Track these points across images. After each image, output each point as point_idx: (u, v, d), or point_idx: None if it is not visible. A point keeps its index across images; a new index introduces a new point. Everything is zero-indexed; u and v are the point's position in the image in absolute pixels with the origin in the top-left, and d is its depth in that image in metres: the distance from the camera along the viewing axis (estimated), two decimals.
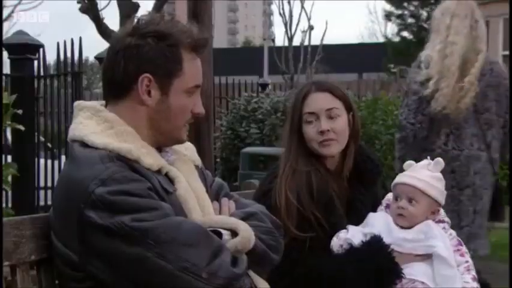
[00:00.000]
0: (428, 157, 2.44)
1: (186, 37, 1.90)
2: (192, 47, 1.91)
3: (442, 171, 2.39)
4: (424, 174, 2.35)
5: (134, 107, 1.89)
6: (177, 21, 1.94)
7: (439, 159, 2.39)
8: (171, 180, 1.89)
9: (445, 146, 3.77)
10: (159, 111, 1.90)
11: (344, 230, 2.35)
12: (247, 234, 1.84)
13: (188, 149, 2.11)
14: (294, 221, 2.30)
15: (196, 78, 1.94)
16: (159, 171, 1.86)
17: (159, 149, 1.96)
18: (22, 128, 3.66)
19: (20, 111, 3.54)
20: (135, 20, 1.93)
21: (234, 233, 1.85)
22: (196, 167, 2.06)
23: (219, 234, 1.83)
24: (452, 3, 3.86)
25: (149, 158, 1.84)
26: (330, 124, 2.41)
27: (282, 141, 2.56)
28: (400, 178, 2.38)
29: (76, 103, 1.96)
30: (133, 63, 1.86)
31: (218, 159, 8.79)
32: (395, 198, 2.37)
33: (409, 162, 2.44)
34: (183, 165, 1.99)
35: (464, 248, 2.38)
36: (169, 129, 1.93)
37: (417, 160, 2.41)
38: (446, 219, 2.42)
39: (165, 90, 1.88)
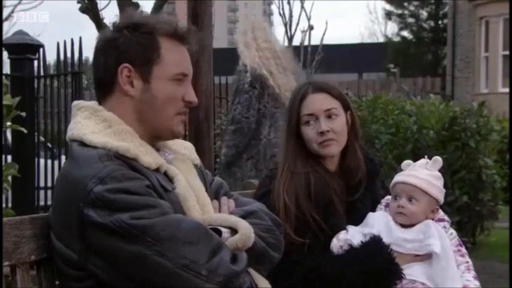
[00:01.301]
0: (426, 156, 2.43)
1: (162, 24, 1.91)
2: (171, 34, 1.92)
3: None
4: (423, 173, 2.35)
5: (121, 100, 1.90)
6: (157, 15, 1.96)
7: (438, 158, 2.39)
8: (170, 179, 1.89)
9: (269, 136, 4.78)
10: (144, 100, 1.90)
11: (344, 231, 2.34)
12: (246, 231, 1.84)
13: (187, 148, 2.11)
14: (292, 225, 2.29)
15: (180, 66, 1.93)
16: (157, 170, 1.87)
17: (157, 148, 1.96)
18: (24, 130, 3.66)
19: (23, 114, 3.54)
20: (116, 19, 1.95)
21: (233, 231, 1.85)
22: (195, 166, 2.06)
23: (219, 232, 1.83)
24: (247, 23, 5.09)
25: (148, 156, 1.84)
26: (329, 124, 2.40)
27: (279, 142, 2.54)
28: (399, 177, 2.38)
29: (75, 103, 1.96)
30: (112, 57, 1.88)
31: (218, 159, 8.78)
32: (395, 198, 2.36)
33: (407, 161, 2.43)
34: (182, 164, 1.99)
35: (464, 249, 2.39)
36: (160, 120, 1.92)
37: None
38: (446, 218, 2.42)
39: (146, 78, 1.89)
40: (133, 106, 1.90)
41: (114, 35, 1.89)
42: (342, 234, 2.33)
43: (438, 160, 2.39)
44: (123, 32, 1.88)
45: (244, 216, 1.94)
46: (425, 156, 2.44)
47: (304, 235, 2.31)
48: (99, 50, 1.91)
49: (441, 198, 2.38)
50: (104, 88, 1.91)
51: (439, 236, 2.30)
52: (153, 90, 1.89)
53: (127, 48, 1.87)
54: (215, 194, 2.08)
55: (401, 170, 2.42)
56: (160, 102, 1.90)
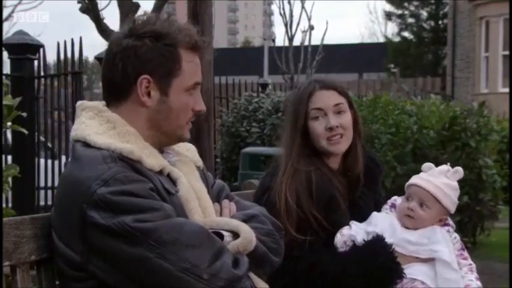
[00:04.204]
0: (449, 163, 2.41)
1: (184, 36, 1.89)
2: (191, 46, 1.91)
3: None
4: (440, 181, 2.32)
5: (135, 109, 1.89)
6: (174, 21, 1.93)
7: (460, 169, 2.36)
8: (173, 181, 1.89)
9: None
10: (159, 111, 1.89)
11: (347, 227, 2.34)
12: (248, 235, 1.84)
13: (190, 150, 2.11)
14: (294, 223, 2.29)
15: (195, 75, 1.93)
16: (161, 172, 1.86)
17: (161, 150, 1.96)
18: (25, 131, 3.66)
19: (24, 114, 3.53)
20: (132, 21, 1.93)
21: (235, 235, 1.85)
22: (198, 168, 2.06)
23: (221, 236, 1.82)
24: None
25: (151, 158, 1.84)
26: (338, 120, 2.39)
27: (281, 141, 2.52)
28: (416, 180, 2.35)
29: (79, 103, 1.96)
30: (132, 65, 1.85)
31: (218, 159, 8.79)
32: (407, 198, 2.34)
33: (428, 164, 2.39)
34: (184, 166, 1.99)
35: (466, 253, 2.38)
36: (172, 129, 1.92)
37: None
38: (451, 222, 2.41)
39: (164, 91, 1.88)
40: (146, 115, 1.89)
41: (134, 42, 1.86)
42: (345, 230, 2.33)
43: (459, 171, 2.35)
44: (144, 41, 1.86)
45: (246, 220, 1.94)
46: (448, 164, 2.40)
47: (305, 232, 2.32)
48: (116, 54, 1.87)
49: (453, 209, 2.35)
50: (118, 93, 1.90)
51: (445, 242, 2.29)
52: (170, 102, 1.89)
53: (149, 59, 1.85)
54: (216, 197, 2.08)
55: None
56: (175, 113, 1.90)
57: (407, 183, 2.38)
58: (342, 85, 2.52)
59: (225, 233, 1.84)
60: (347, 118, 2.42)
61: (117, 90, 1.90)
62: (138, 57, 1.85)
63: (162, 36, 1.87)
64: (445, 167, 2.37)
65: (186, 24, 1.95)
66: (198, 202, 1.91)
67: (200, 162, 2.10)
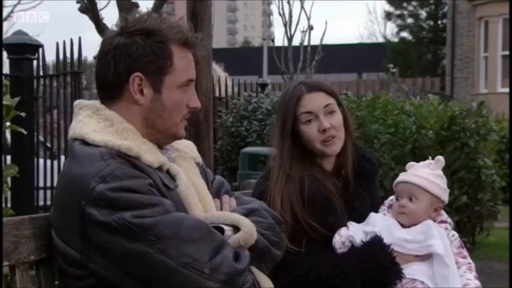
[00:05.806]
0: (430, 157, 2.43)
1: (175, 33, 1.89)
2: (182, 42, 1.91)
3: None
4: (424, 172, 2.35)
5: (128, 107, 1.89)
6: (166, 18, 1.93)
7: (440, 157, 2.39)
8: (173, 177, 1.89)
9: None
10: (153, 109, 1.89)
11: (345, 228, 2.34)
12: (249, 229, 1.84)
13: (189, 147, 2.11)
14: (288, 233, 2.25)
15: (188, 72, 1.93)
16: (160, 168, 1.86)
17: (160, 146, 1.96)
18: (24, 131, 3.65)
19: (23, 114, 3.54)
20: (124, 19, 1.93)
21: (236, 229, 1.85)
22: (197, 164, 2.06)
23: (221, 230, 1.82)
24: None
25: (149, 155, 1.84)
26: (329, 121, 2.38)
27: (272, 144, 2.49)
28: (400, 177, 2.39)
29: (76, 102, 1.96)
30: (123, 63, 1.86)
31: (218, 159, 8.79)
32: (396, 198, 2.37)
33: (411, 163, 2.43)
34: (184, 162, 1.99)
35: (465, 251, 2.38)
36: (166, 126, 1.92)
37: None
38: (448, 219, 2.41)
39: (157, 88, 1.88)
40: (140, 113, 1.90)
41: (125, 40, 1.86)
42: (343, 231, 2.33)
43: (440, 160, 2.38)
44: (135, 39, 1.86)
45: (246, 214, 1.94)
46: (430, 157, 2.42)
47: (300, 242, 2.30)
48: (108, 52, 1.87)
49: (444, 197, 2.37)
50: (111, 92, 1.90)
51: (440, 237, 2.29)
52: (163, 99, 1.89)
53: (140, 56, 1.85)
54: (216, 193, 2.08)
55: (402, 170, 2.43)
56: (169, 111, 1.90)
57: (394, 183, 2.40)
58: (330, 85, 2.50)
59: (225, 227, 1.84)
60: (338, 118, 2.41)
61: (110, 88, 1.90)
62: (130, 55, 1.85)
63: (152, 33, 1.87)
64: (427, 161, 2.39)
65: (178, 21, 1.95)
66: (198, 197, 1.91)
67: (199, 159, 2.10)
